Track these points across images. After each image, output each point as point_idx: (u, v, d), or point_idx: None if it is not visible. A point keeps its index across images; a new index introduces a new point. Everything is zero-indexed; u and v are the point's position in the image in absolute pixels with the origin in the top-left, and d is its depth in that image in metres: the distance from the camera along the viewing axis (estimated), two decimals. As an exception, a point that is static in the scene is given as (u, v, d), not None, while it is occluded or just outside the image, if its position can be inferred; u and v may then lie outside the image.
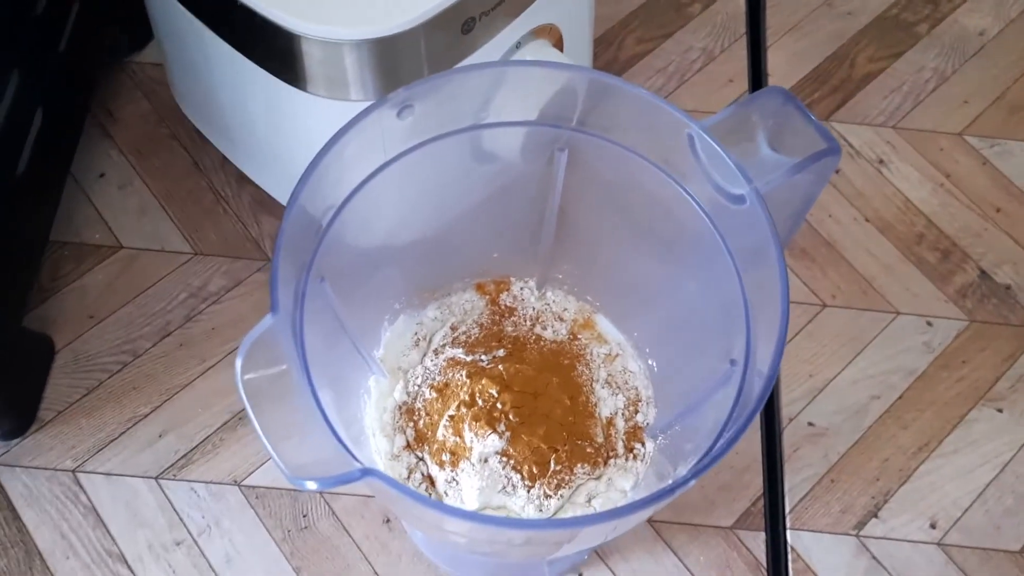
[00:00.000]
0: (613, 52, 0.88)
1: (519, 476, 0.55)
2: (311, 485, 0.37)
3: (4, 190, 0.65)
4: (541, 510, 0.54)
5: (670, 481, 0.47)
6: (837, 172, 0.83)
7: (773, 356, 0.40)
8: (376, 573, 0.66)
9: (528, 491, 0.55)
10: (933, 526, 0.69)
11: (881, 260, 0.79)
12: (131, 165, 0.81)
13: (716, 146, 0.45)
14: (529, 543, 0.45)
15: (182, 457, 0.70)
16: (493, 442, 0.55)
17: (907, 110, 0.86)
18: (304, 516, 0.68)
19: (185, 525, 0.67)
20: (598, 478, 0.57)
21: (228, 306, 0.75)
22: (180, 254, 0.77)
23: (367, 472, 0.38)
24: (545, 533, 0.43)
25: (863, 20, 0.91)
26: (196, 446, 0.70)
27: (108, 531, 0.67)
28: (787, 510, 0.70)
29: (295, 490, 0.69)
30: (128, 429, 0.70)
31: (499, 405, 0.56)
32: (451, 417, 0.56)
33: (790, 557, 0.68)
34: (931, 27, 0.91)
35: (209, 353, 0.73)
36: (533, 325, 0.62)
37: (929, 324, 0.77)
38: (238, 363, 0.39)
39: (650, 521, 0.69)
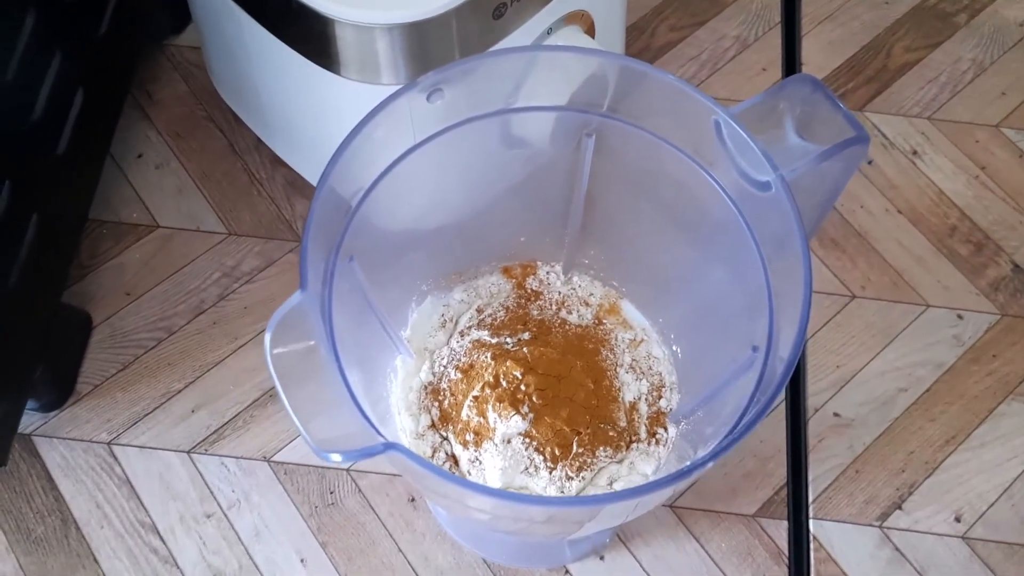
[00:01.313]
0: (646, 40, 0.88)
1: (541, 457, 0.55)
2: (336, 458, 0.38)
3: (46, 169, 0.66)
4: (563, 491, 0.55)
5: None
6: (869, 163, 0.83)
7: (795, 341, 0.41)
8: (400, 550, 0.68)
9: (550, 472, 0.55)
10: (958, 519, 0.69)
11: (912, 252, 0.79)
12: (168, 146, 0.82)
13: (742, 132, 0.45)
14: (551, 521, 0.46)
15: (213, 432, 0.71)
16: (516, 423, 0.55)
17: (943, 101, 0.86)
18: (331, 493, 0.69)
19: (216, 498, 0.69)
20: (620, 462, 0.57)
21: (261, 286, 0.77)
22: (215, 234, 0.79)
23: (390, 446, 0.38)
24: (566, 511, 0.43)
25: (900, 9, 0.90)
26: (227, 422, 0.72)
27: (141, 502, 0.69)
28: (810, 499, 0.70)
29: (323, 467, 0.70)
30: (162, 404, 0.72)
31: (523, 387, 0.57)
32: (475, 398, 0.57)
33: (812, 546, 0.68)
34: (970, 17, 0.90)
35: (241, 331, 0.75)
36: (558, 309, 0.63)
37: (960, 317, 0.76)
38: (267, 338, 0.40)
39: (672, 507, 0.69)
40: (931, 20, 0.90)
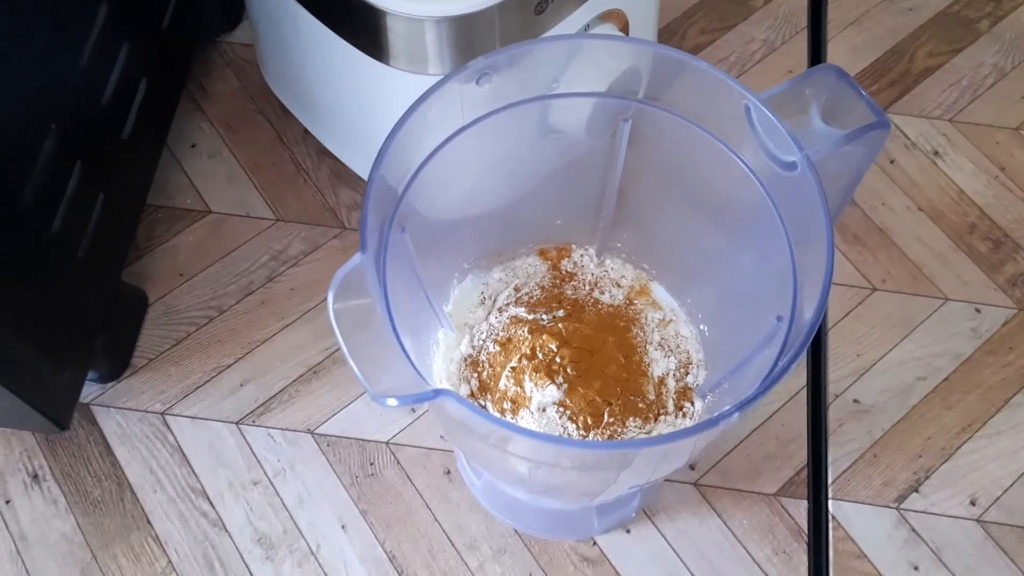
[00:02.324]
0: (676, 41, 0.92)
1: (574, 426, 0.59)
2: (391, 402, 0.42)
3: (112, 152, 0.71)
4: (594, 458, 0.58)
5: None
6: (892, 162, 0.86)
7: (817, 305, 0.44)
8: (436, 520, 0.71)
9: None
10: (973, 503, 0.71)
11: (932, 248, 0.82)
12: (220, 137, 0.87)
13: (770, 115, 0.49)
14: (586, 468, 0.49)
15: (261, 405, 0.75)
16: (551, 392, 0.59)
17: (964, 104, 0.88)
18: (371, 464, 0.73)
19: (262, 467, 0.73)
20: (648, 432, 0.61)
21: (306, 269, 0.81)
22: (263, 220, 0.83)
23: (440, 392, 0.42)
24: (601, 454, 0.46)
25: (924, 16, 0.93)
26: (274, 395, 0.75)
27: (192, 469, 0.73)
28: (830, 480, 0.72)
29: (363, 439, 0.74)
30: (212, 378, 0.76)
31: (558, 359, 0.60)
32: (513, 368, 0.60)
33: (831, 525, 0.71)
34: (992, 24, 0.93)
35: (288, 311, 0.79)
36: (591, 290, 0.66)
37: (977, 311, 0.79)
38: (330, 294, 0.44)
39: (696, 484, 0.72)
40: (954, 26, 0.93)
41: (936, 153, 0.86)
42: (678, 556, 0.70)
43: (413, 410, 0.75)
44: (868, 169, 0.53)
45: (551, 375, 0.59)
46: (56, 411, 0.66)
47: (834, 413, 0.75)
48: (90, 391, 0.75)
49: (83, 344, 0.69)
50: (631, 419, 0.60)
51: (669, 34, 0.92)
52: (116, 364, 0.76)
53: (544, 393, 0.59)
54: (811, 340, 0.44)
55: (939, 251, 0.82)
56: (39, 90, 0.60)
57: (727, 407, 0.54)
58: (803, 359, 0.77)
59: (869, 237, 0.82)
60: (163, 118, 0.81)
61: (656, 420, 0.61)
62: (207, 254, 0.81)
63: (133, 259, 0.80)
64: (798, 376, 0.76)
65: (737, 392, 0.56)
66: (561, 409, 0.59)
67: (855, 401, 0.75)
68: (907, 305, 0.79)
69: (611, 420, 0.59)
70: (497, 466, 0.55)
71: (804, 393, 0.76)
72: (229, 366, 0.77)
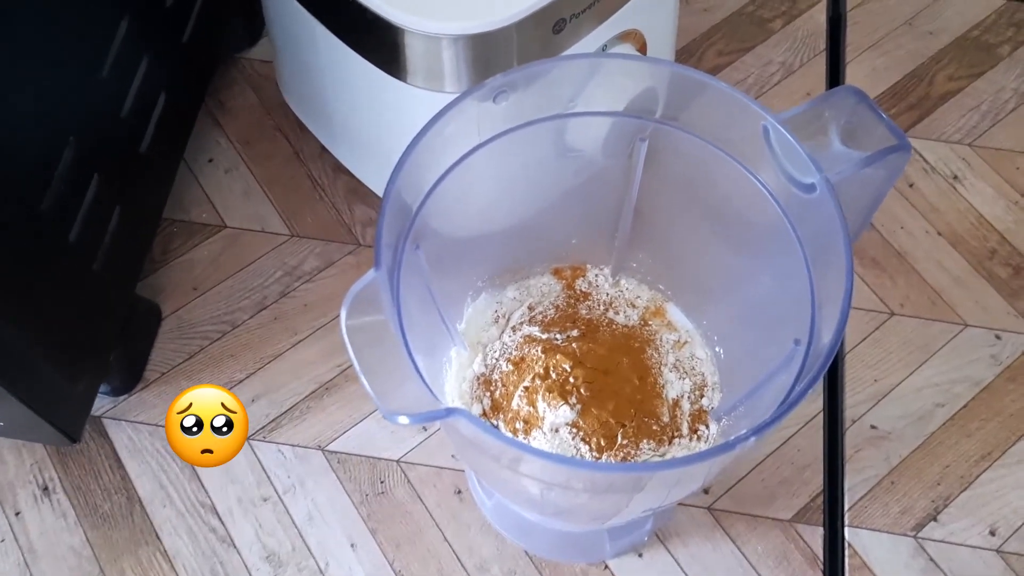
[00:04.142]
0: (694, 63, 0.92)
1: (587, 447, 0.58)
2: (403, 420, 0.41)
3: (129, 165, 0.71)
4: (607, 481, 0.57)
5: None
6: (911, 186, 0.85)
7: (836, 328, 0.43)
8: (446, 539, 0.70)
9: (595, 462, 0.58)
10: (992, 533, 0.70)
11: (951, 273, 0.81)
12: (237, 152, 0.87)
13: (789, 137, 0.48)
14: (598, 491, 0.48)
15: (272, 421, 0.75)
16: (565, 413, 0.58)
17: (984, 128, 0.88)
18: (382, 482, 0.72)
19: (272, 483, 0.72)
20: (662, 455, 0.60)
21: (320, 285, 0.80)
22: (278, 235, 0.83)
23: (452, 411, 0.41)
24: (614, 476, 0.46)
25: (944, 40, 0.93)
26: (285, 411, 0.75)
27: (202, 484, 0.72)
28: (846, 507, 0.71)
29: (374, 457, 0.73)
30: (224, 392, 0.76)
31: (572, 379, 0.59)
32: (526, 388, 0.60)
33: (847, 553, 0.70)
34: (1013, 49, 0.92)
35: (301, 327, 0.78)
36: (606, 310, 0.65)
37: (998, 337, 0.78)
38: (343, 311, 0.43)
39: (710, 508, 0.71)
40: (974, 51, 0.92)
41: (955, 177, 0.85)
42: (691, 582, 0.69)
43: (424, 428, 0.74)
44: (888, 192, 0.52)
45: (564, 395, 0.59)
46: (68, 423, 0.66)
47: (851, 439, 0.74)
48: (102, 404, 0.75)
49: (97, 356, 0.69)
50: (645, 441, 0.59)
51: (687, 55, 0.92)
52: (129, 377, 0.76)
53: (557, 414, 0.58)
54: (829, 365, 0.43)
55: (958, 276, 0.81)
56: (59, 101, 0.60)
57: (743, 430, 0.53)
58: (820, 383, 0.76)
59: (887, 261, 0.81)
60: (181, 132, 0.81)
61: (670, 443, 0.60)
62: (222, 268, 0.81)
63: (148, 272, 0.80)
64: (814, 401, 0.75)
65: (753, 415, 0.55)
66: (574, 430, 0.58)
67: (872, 427, 0.74)
68: (925, 330, 0.78)
69: (624, 442, 0.59)
70: (508, 487, 0.55)
71: (820, 418, 0.75)
72: (241, 381, 0.76)
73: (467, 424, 0.41)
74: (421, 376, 0.44)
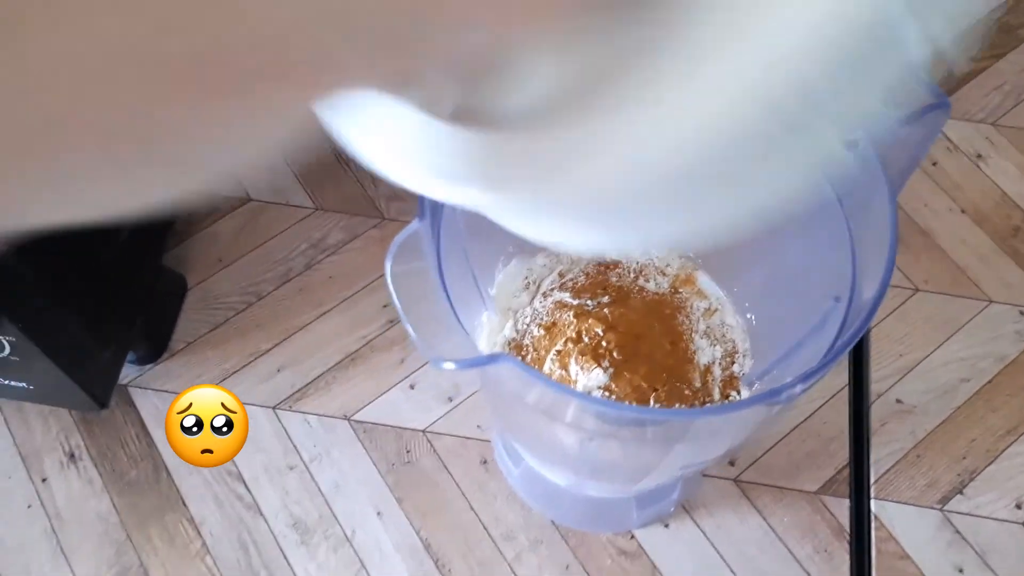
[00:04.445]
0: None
1: (620, 411, 0.58)
2: (448, 365, 0.41)
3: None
4: (639, 444, 0.57)
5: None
6: (934, 165, 0.85)
7: (883, 277, 0.43)
8: (472, 509, 0.70)
9: (627, 426, 0.58)
10: (1019, 506, 0.70)
11: (976, 250, 0.81)
12: (262, 127, 0.87)
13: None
14: (640, 437, 0.48)
15: (298, 391, 0.75)
16: (597, 376, 0.58)
17: (1008, 108, 0.88)
18: (408, 452, 0.72)
19: (298, 452, 0.72)
20: (694, 420, 0.60)
21: (345, 257, 0.80)
22: (303, 208, 0.83)
23: (498, 356, 0.41)
24: (660, 421, 0.46)
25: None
26: (311, 382, 0.75)
27: (228, 453, 0.72)
28: (872, 480, 0.71)
29: (400, 427, 0.73)
30: (249, 363, 0.76)
31: (604, 343, 0.59)
32: (558, 352, 0.60)
33: (873, 525, 0.70)
34: (1035, 30, 0.92)
35: (326, 299, 0.79)
36: (636, 277, 0.65)
37: (1022, 313, 0.78)
38: (388, 260, 0.43)
39: (736, 480, 0.71)
40: (996, 32, 0.92)
41: (979, 156, 0.85)
42: (717, 551, 0.69)
43: (450, 399, 0.74)
44: (927, 151, 0.52)
45: (597, 359, 0.59)
46: (97, 389, 0.66)
47: (876, 412, 0.74)
48: (128, 373, 0.75)
49: (125, 323, 0.69)
50: (677, 406, 0.59)
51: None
52: (155, 346, 0.76)
53: (590, 377, 0.58)
54: (872, 318, 0.43)
55: (982, 254, 0.81)
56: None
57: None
58: (844, 357, 0.76)
59: (912, 239, 0.82)
60: (207, 105, 0.81)
61: (702, 408, 0.60)
62: (246, 241, 0.81)
63: (173, 244, 0.81)
64: (840, 374, 0.75)
65: (785, 378, 0.55)
66: (607, 394, 0.58)
67: (898, 401, 0.74)
68: (950, 306, 0.78)
69: (656, 406, 0.58)
70: (544, 442, 0.55)
71: (846, 392, 0.75)
72: (267, 351, 0.76)
73: (514, 368, 0.41)
74: (461, 324, 0.44)
